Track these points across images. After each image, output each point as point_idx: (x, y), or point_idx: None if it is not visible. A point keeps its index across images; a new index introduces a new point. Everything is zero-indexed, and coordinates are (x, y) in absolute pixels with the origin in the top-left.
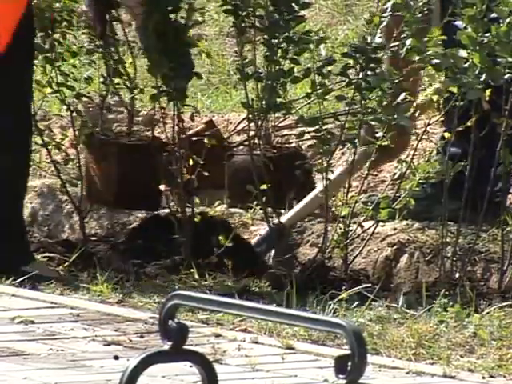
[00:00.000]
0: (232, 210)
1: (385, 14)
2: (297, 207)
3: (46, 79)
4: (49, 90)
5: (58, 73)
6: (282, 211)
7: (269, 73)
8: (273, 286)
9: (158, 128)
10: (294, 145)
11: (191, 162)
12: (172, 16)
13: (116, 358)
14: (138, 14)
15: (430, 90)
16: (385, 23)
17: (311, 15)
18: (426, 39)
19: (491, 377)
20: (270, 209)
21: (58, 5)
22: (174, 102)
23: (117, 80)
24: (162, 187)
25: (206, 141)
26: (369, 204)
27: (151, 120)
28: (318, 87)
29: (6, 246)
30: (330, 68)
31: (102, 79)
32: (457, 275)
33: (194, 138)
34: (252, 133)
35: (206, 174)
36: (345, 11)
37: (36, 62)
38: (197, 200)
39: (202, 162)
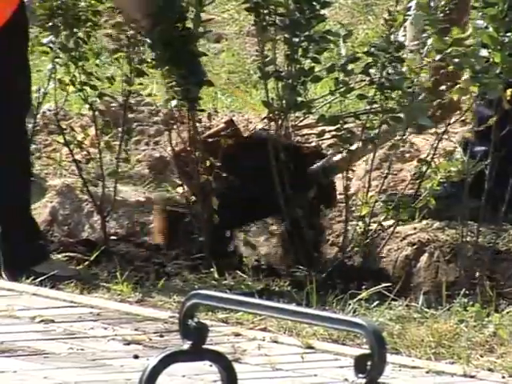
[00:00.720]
0: None
1: (409, 13)
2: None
3: (68, 78)
4: (72, 88)
5: (82, 72)
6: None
7: (289, 72)
8: (293, 285)
9: (177, 128)
10: (314, 144)
11: (208, 163)
12: (179, 25)
13: (136, 357)
14: (144, 27)
15: (454, 90)
16: (408, 22)
17: (331, 14)
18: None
19: (511, 376)
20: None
21: (83, 4)
22: (187, 108)
23: (138, 81)
24: (180, 189)
25: (221, 141)
26: (389, 203)
27: (169, 119)
28: (341, 85)
29: (16, 246)
30: (352, 66)
31: (124, 78)
32: (477, 274)
33: (214, 138)
34: (272, 132)
35: (224, 174)
36: (365, 10)
37: (59, 60)
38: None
39: (218, 164)
